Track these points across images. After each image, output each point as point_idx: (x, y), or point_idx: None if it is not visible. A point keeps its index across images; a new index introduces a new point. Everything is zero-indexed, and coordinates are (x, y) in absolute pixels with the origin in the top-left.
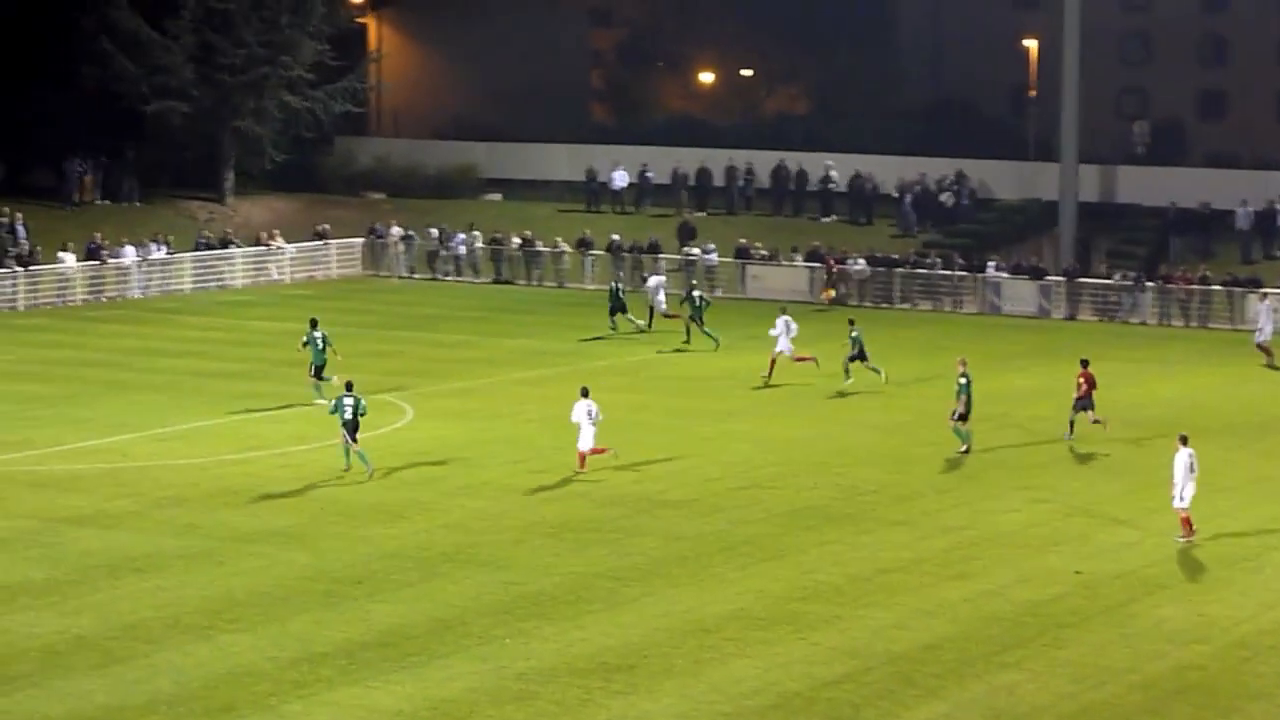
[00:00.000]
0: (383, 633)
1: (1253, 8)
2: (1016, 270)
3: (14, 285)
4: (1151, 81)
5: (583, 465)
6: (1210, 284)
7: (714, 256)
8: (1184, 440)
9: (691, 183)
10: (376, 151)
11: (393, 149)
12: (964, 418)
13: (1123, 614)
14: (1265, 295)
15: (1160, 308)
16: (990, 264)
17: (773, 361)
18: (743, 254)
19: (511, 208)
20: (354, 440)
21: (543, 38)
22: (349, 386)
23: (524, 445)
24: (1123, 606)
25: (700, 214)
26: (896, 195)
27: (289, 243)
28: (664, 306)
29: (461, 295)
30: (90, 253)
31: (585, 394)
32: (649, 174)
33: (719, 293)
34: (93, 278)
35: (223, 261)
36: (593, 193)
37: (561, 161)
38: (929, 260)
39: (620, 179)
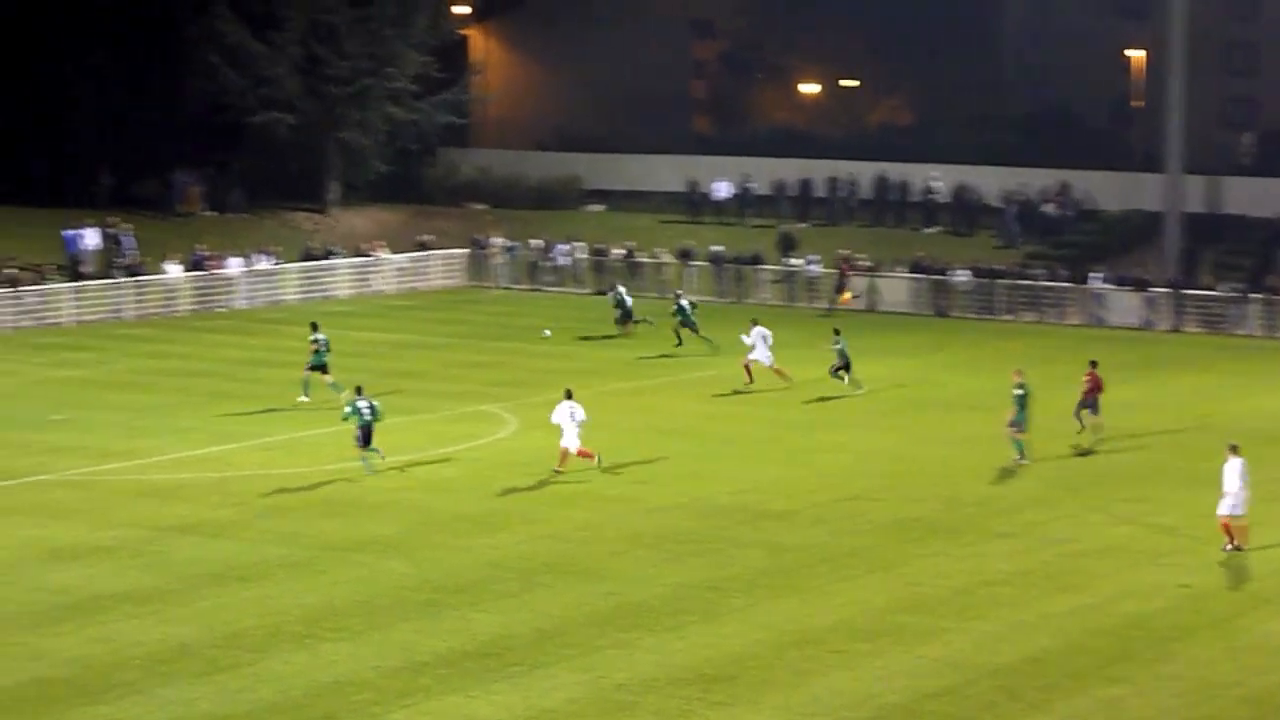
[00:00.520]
0: (484, 642)
1: None
2: (1121, 282)
3: (121, 295)
4: (1259, 91)
5: (563, 463)
6: None
7: (816, 268)
8: (1235, 449)
9: (793, 193)
10: (479, 162)
11: (495, 160)
12: (1017, 425)
13: (1230, 628)
14: None
15: (1266, 319)
16: (1094, 275)
17: (747, 368)
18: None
19: (613, 218)
20: (368, 444)
21: (645, 49)
22: (359, 391)
23: (625, 455)
24: (1229, 620)
25: (802, 225)
26: (999, 206)
27: (392, 253)
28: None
29: (563, 306)
30: (195, 263)
31: (569, 395)
32: (751, 185)
33: (820, 304)
34: (199, 288)
35: (326, 272)
36: (694, 203)
37: (663, 172)
38: (1032, 271)
39: (722, 190)
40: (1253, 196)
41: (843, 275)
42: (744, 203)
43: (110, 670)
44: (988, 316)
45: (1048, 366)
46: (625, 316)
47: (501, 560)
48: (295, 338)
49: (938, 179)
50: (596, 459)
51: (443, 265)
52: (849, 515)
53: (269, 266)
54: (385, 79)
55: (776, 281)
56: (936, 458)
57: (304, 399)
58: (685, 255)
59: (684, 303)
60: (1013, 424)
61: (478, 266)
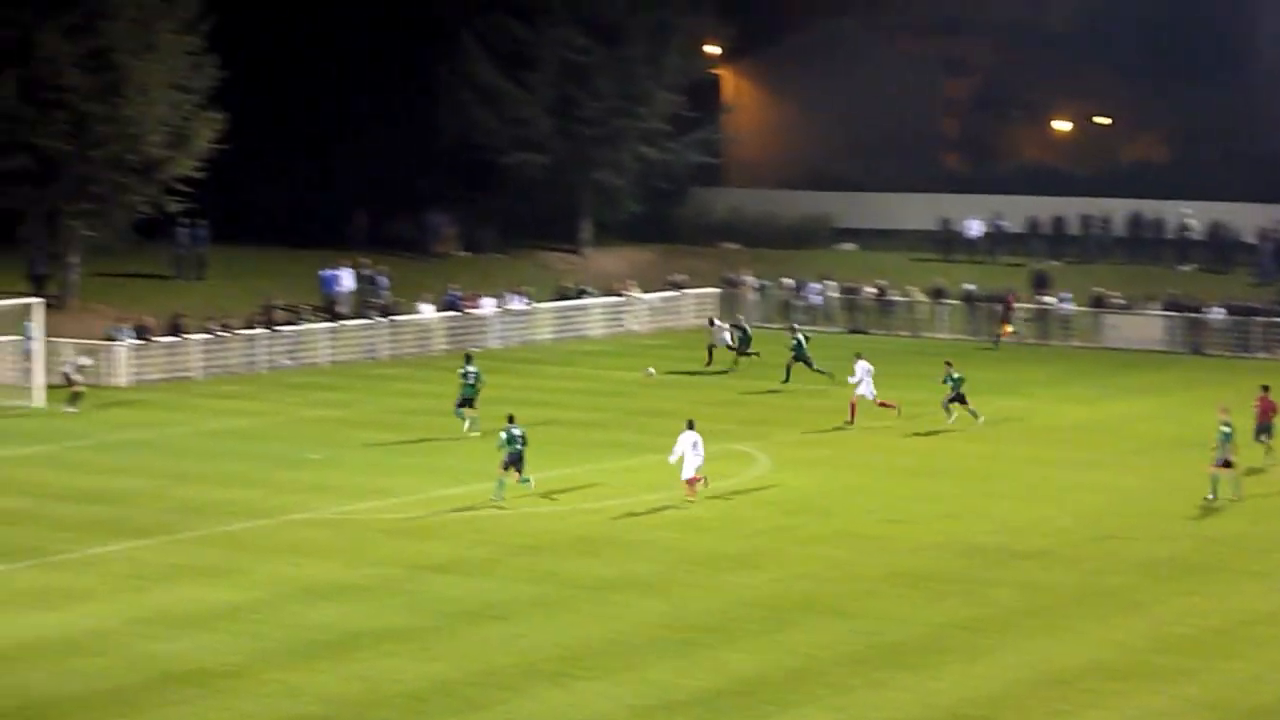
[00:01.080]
0: (739, 681)
1: None
2: None
3: (376, 336)
4: None
5: (692, 492)
6: None
7: (1069, 305)
8: None
9: (1046, 231)
10: (731, 202)
11: (747, 199)
12: (1228, 465)
13: None
14: None
15: None
16: None
17: (852, 406)
18: (1099, 303)
19: (865, 257)
20: (519, 471)
21: (897, 87)
22: (511, 419)
23: (879, 495)
24: None
25: (1055, 262)
26: (1255, 243)
27: (644, 293)
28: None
29: (815, 345)
30: (448, 303)
31: (691, 426)
32: (1003, 222)
33: (1074, 342)
34: (452, 328)
35: (579, 312)
36: (946, 241)
37: (915, 210)
38: None
39: (974, 228)
40: None
41: (1007, 308)
42: (996, 240)
43: (366, 708)
44: (1243, 354)
45: None
46: (744, 342)
47: (755, 599)
48: (548, 377)
49: (1191, 215)
50: (704, 481)
51: (695, 304)
52: (1103, 555)
53: (522, 306)
54: (637, 119)
55: (1029, 320)
56: (1189, 496)
57: (473, 432)
58: (937, 293)
59: (800, 337)
60: (1221, 463)
61: (730, 305)
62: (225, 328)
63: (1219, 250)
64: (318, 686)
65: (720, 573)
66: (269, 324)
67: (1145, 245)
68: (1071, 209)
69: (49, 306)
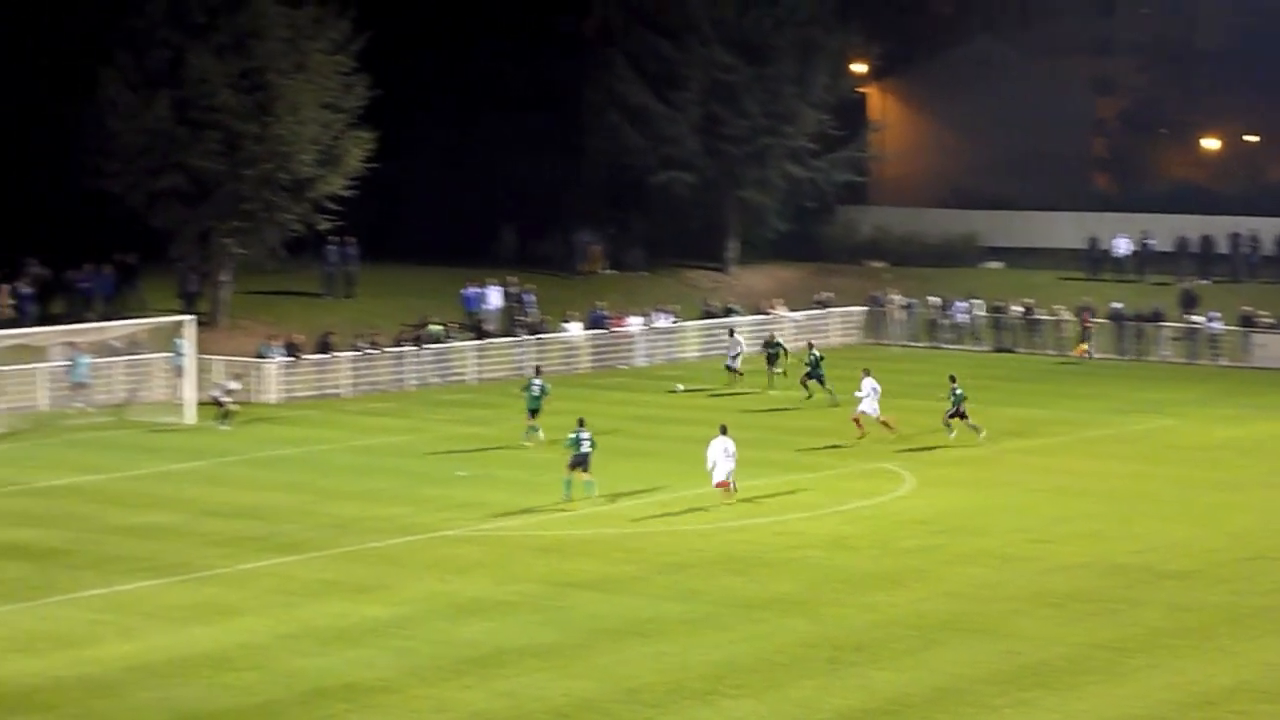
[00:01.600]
0: (883, 700)
1: None
2: None
3: (523, 353)
4: None
5: (727, 495)
6: None
7: (1218, 325)
8: None
9: (1194, 250)
10: (877, 220)
11: (893, 217)
12: None
13: None
14: None
15: None
16: None
17: (856, 421)
18: (1247, 322)
19: (1012, 275)
20: (586, 471)
21: (1044, 106)
22: (581, 423)
23: (1025, 514)
24: None
25: (1203, 282)
26: None
27: (790, 311)
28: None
29: (962, 363)
30: (594, 321)
31: (724, 431)
32: (1151, 241)
33: (1223, 361)
34: (598, 346)
35: (725, 330)
36: (1094, 260)
37: (1063, 229)
38: None
39: (1122, 246)
40: None
41: (1084, 325)
42: (1144, 259)
43: None
44: None
45: None
46: (773, 359)
47: (900, 618)
48: (695, 395)
49: None
50: (734, 487)
51: (841, 323)
52: (1250, 575)
53: (668, 324)
54: (784, 137)
55: (1177, 339)
56: None
57: (528, 444)
58: (1085, 312)
59: (817, 354)
60: None
61: (876, 324)
62: (374, 345)
63: None
64: (465, 703)
65: (866, 592)
66: (417, 341)
67: None
68: (1220, 228)
69: (200, 324)
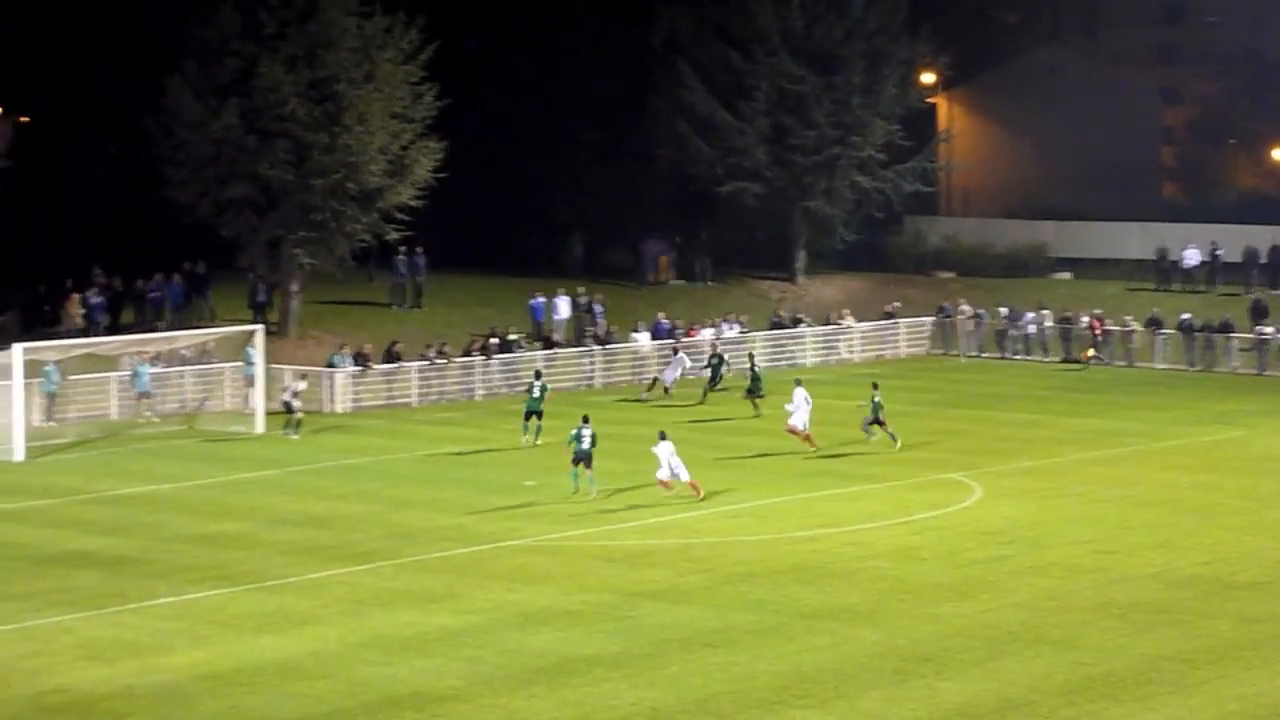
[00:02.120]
0: (950, 711)
1: None
2: None
3: (592, 363)
4: None
5: (698, 492)
6: None
7: None
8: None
9: (1264, 260)
10: (945, 231)
11: (962, 228)
12: None
13: None
14: None
15: None
16: None
17: (792, 432)
18: None
19: (1081, 286)
20: (589, 467)
21: (1113, 116)
22: (585, 420)
23: (1093, 525)
24: None
25: (1274, 292)
26: None
27: (858, 321)
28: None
29: (1030, 374)
30: (660, 332)
31: (663, 436)
32: (1220, 252)
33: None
34: (665, 356)
35: (793, 340)
36: (1163, 271)
37: (1132, 240)
38: None
39: (1192, 257)
40: None
41: (1093, 332)
42: (1213, 270)
43: None
44: None
45: None
46: (715, 378)
47: (968, 629)
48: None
49: None
50: (671, 487)
51: (909, 333)
52: None
53: (736, 335)
54: (852, 148)
55: (1246, 350)
56: None
57: (526, 439)
58: (1154, 323)
59: (757, 370)
60: None
61: (944, 334)
62: (442, 355)
63: None
64: (533, 712)
65: (933, 602)
66: (484, 351)
67: None
68: None
69: (269, 334)
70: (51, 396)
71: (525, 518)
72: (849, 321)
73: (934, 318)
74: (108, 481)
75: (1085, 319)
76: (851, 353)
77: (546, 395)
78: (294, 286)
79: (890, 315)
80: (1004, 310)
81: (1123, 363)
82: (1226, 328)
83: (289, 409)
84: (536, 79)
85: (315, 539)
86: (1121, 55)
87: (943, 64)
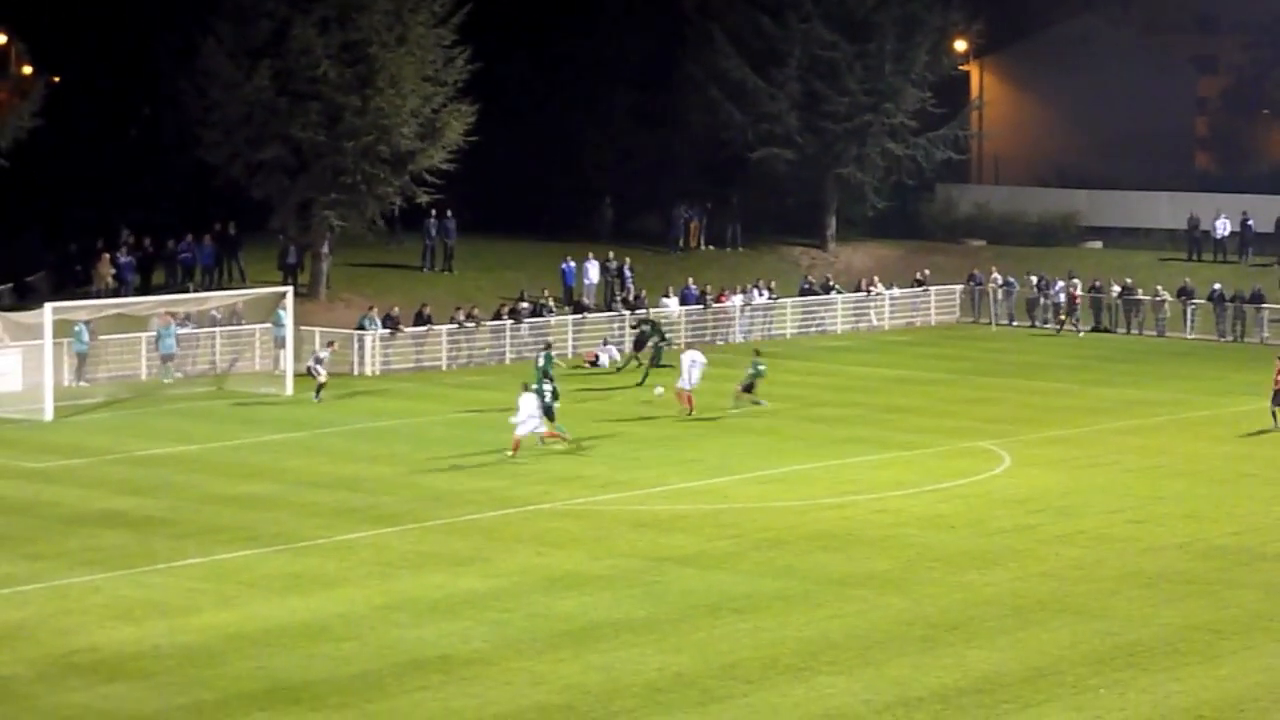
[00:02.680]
0: (977, 679)
1: None
2: None
3: (621, 328)
4: None
5: (516, 451)
6: None
7: None
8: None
9: None
10: (977, 199)
11: (993, 196)
12: None
13: None
14: None
15: None
16: None
17: (681, 394)
18: None
19: (1112, 255)
20: (551, 419)
21: (1147, 86)
22: (546, 375)
23: (1122, 494)
24: None
25: None
26: None
27: (889, 289)
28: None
29: (1060, 343)
30: (689, 298)
31: (526, 387)
32: (1251, 222)
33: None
34: (694, 322)
35: (823, 307)
36: (1195, 241)
37: (1163, 209)
38: None
39: (1223, 227)
40: None
41: (1071, 300)
42: (1245, 240)
43: (608, 698)
44: None
45: None
46: (640, 343)
47: (996, 597)
48: (790, 371)
49: None
50: (516, 446)
51: (939, 301)
52: None
53: (766, 301)
54: (884, 115)
55: (1277, 320)
56: None
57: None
58: (1185, 293)
59: (663, 343)
60: None
61: (974, 302)
62: (471, 318)
63: None
64: (560, 675)
65: (962, 570)
66: (514, 315)
67: None
68: None
69: (299, 296)
70: (81, 357)
71: (554, 482)
72: (879, 289)
73: (964, 285)
74: (137, 442)
75: (1059, 284)
76: (882, 320)
77: (553, 364)
78: (324, 249)
79: (920, 283)
80: (1034, 279)
81: (1153, 332)
82: (1258, 298)
83: (312, 374)
84: (568, 44)
85: (344, 501)
86: (1155, 24)
87: (975, 32)
